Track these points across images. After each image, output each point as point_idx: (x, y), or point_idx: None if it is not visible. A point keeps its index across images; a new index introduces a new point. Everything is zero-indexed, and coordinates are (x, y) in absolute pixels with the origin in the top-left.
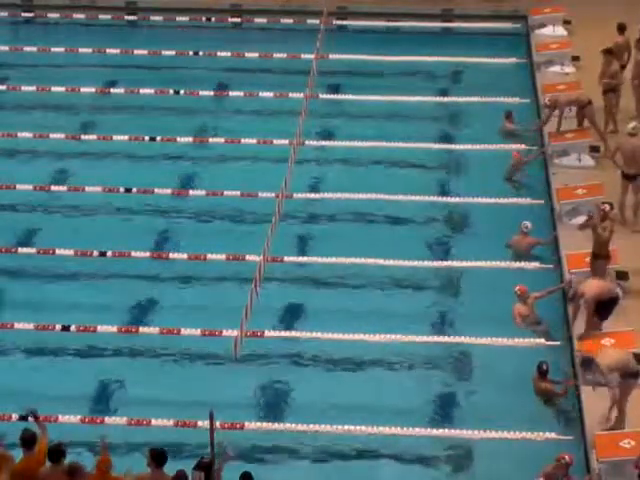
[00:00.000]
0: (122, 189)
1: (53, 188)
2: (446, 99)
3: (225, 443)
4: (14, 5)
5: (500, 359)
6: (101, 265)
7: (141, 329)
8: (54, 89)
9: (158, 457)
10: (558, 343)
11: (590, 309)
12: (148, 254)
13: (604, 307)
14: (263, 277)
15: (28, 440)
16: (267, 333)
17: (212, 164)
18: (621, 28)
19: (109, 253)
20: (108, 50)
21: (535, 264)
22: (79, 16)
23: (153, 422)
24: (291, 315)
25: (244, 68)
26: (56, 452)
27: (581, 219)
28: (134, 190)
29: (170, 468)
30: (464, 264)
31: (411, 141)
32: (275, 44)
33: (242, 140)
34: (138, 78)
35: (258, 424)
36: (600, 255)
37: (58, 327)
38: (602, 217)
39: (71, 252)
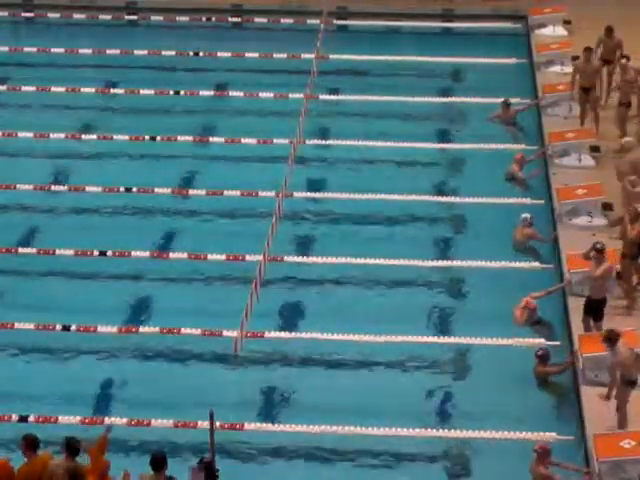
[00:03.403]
0: (122, 189)
1: (53, 188)
2: (446, 99)
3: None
4: (14, 5)
5: (500, 359)
6: (101, 265)
7: (141, 329)
8: (54, 89)
9: (152, 462)
10: (558, 343)
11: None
12: (148, 254)
13: (594, 308)
14: (263, 277)
15: (32, 444)
16: (267, 333)
17: (212, 164)
18: (609, 30)
19: (109, 253)
20: (108, 50)
21: (535, 264)
22: (79, 16)
23: (153, 422)
24: (291, 315)
25: (244, 68)
26: (75, 447)
27: (581, 219)
28: (134, 190)
29: (170, 468)
30: (464, 264)
31: (411, 141)
32: (275, 44)
33: (242, 140)
34: (138, 78)
35: (258, 424)
36: (628, 254)
37: (58, 327)
38: (633, 217)
39: (71, 252)
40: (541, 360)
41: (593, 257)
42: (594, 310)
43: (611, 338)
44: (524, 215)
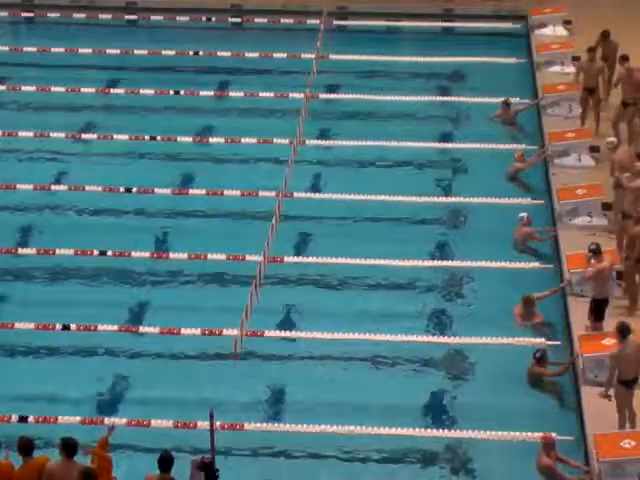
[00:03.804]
0: (122, 189)
1: (53, 188)
2: (446, 99)
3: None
4: (14, 5)
5: (500, 359)
6: (101, 265)
7: (141, 329)
8: (54, 89)
9: (161, 462)
10: (558, 343)
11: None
12: (148, 254)
13: (596, 308)
14: (263, 277)
15: (26, 447)
16: (267, 333)
17: (212, 164)
18: (605, 35)
19: (109, 253)
20: (108, 50)
21: (535, 264)
22: (79, 16)
23: (153, 422)
24: (291, 315)
25: (244, 68)
26: (72, 447)
27: (581, 219)
28: (134, 190)
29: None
30: (464, 264)
31: (411, 141)
32: (275, 44)
33: (242, 140)
34: (138, 78)
35: (258, 424)
36: (631, 256)
37: (58, 327)
38: (638, 219)
39: (71, 252)
40: (538, 362)
41: (592, 259)
42: (595, 310)
43: (623, 330)
44: (521, 214)
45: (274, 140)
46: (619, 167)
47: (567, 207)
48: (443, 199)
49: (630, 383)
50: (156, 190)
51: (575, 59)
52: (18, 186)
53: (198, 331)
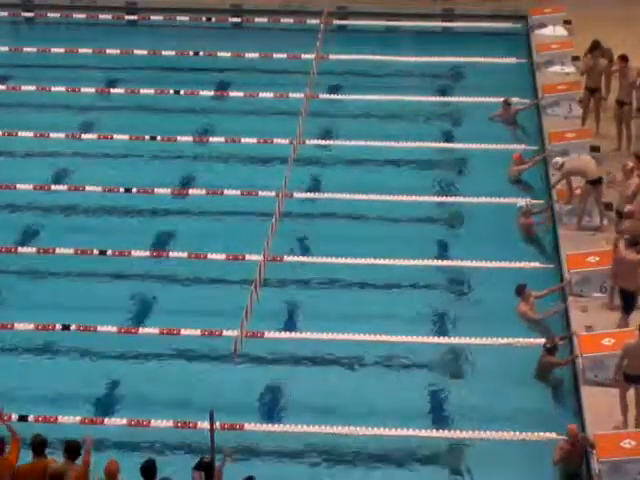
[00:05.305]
0: (122, 189)
1: (53, 188)
2: (446, 99)
3: (226, 449)
4: (14, 5)
5: (500, 359)
6: (101, 265)
7: (141, 329)
8: (54, 89)
9: (143, 472)
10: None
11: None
12: (148, 254)
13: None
14: (263, 277)
15: (39, 446)
16: (267, 333)
17: (212, 164)
18: (596, 44)
19: (109, 253)
20: (108, 50)
21: (535, 264)
22: (79, 16)
23: (153, 422)
24: (291, 315)
25: (244, 68)
26: (74, 449)
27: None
28: (134, 190)
29: (170, 468)
30: (464, 264)
31: (411, 141)
32: (275, 44)
33: (242, 140)
34: (138, 78)
35: (258, 424)
36: None
37: (58, 327)
38: None
39: (71, 252)
40: (549, 352)
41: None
42: (622, 300)
43: None
44: (519, 203)
45: (274, 140)
46: (579, 174)
47: (567, 207)
48: (443, 199)
49: (632, 379)
50: (156, 190)
51: (575, 59)
52: (18, 186)
53: (198, 331)
